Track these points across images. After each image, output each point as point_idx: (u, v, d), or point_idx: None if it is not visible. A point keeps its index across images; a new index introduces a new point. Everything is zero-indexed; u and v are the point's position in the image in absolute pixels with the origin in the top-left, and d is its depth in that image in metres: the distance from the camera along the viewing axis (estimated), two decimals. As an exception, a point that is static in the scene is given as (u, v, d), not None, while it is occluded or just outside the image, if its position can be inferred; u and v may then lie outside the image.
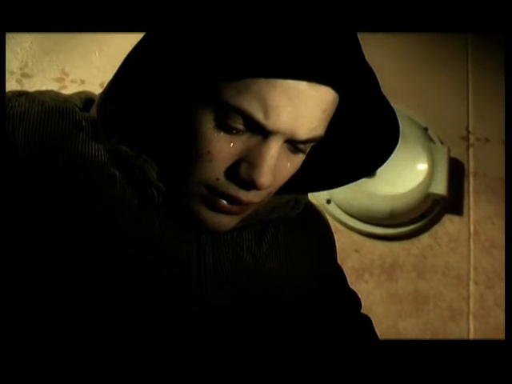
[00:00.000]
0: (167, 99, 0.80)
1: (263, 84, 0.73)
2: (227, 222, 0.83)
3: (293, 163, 0.82)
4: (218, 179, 0.78)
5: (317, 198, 1.88)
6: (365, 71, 0.79)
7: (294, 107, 0.74)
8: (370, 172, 0.91)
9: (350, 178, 0.92)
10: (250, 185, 0.77)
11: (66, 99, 0.87)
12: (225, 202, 0.80)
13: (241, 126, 0.76)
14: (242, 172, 0.77)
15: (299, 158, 0.82)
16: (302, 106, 0.75)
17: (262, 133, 0.76)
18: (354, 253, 1.91)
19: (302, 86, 0.74)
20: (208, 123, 0.76)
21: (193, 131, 0.77)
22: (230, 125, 0.76)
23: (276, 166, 0.78)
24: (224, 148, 0.77)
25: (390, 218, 1.92)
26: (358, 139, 0.89)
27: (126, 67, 0.81)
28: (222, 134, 0.76)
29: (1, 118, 0.80)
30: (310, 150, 0.84)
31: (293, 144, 0.79)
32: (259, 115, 0.74)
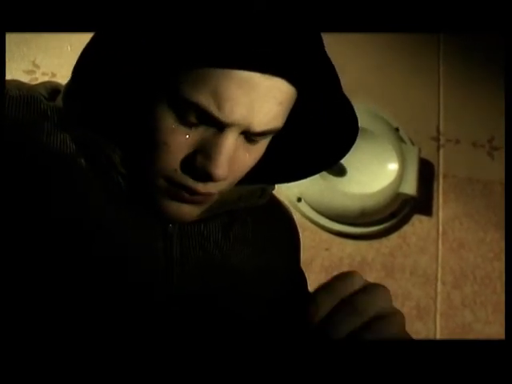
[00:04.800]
0: (126, 91, 0.80)
1: (217, 77, 0.73)
2: (189, 211, 0.83)
3: (252, 154, 0.82)
4: (175, 170, 0.79)
5: (287, 196, 1.88)
6: (322, 65, 0.79)
7: (248, 100, 0.74)
8: (333, 163, 0.92)
9: (315, 168, 0.93)
10: (206, 177, 0.78)
11: (31, 88, 0.86)
12: (184, 192, 0.80)
13: (196, 120, 0.76)
14: (197, 164, 0.78)
15: (259, 149, 0.83)
16: (257, 99, 0.75)
17: (217, 126, 0.76)
18: (324, 251, 1.91)
19: (257, 78, 0.74)
20: (164, 116, 0.76)
21: (150, 123, 0.77)
22: (185, 119, 0.76)
23: (234, 157, 0.79)
24: (180, 140, 0.77)
25: (360, 217, 1.93)
26: (319, 130, 0.89)
27: (83, 58, 0.80)
28: (178, 126, 0.77)
29: (0, 116, 0.79)
30: (273, 140, 0.84)
31: (249, 136, 0.79)
32: (213, 108, 0.74)
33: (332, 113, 0.85)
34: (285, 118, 0.81)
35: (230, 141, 0.77)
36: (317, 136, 0.90)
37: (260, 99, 0.75)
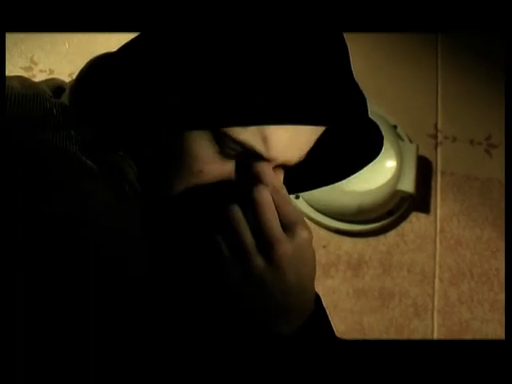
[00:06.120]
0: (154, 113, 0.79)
1: None
2: None
3: (279, 176, 0.84)
4: (204, 195, 0.79)
5: (285, 193, 1.88)
6: (356, 100, 0.82)
7: (292, 142, 0.78)
8: (347, 176, 0.94)
9: (329, 180, 0.96)
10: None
11: (35, 85, 0.85)
12: None
13: (239, 154, 0.78)
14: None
15: (282, 176, 0.85)
16: (298, 137, 0.78)
17: (258, 159, 0.78)
18: (322, 249, 1.91)
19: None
20: (204, 147, 0.77)
21: (184, 149, 0.78)
22: (227, 152, 0.77)
23: None
24: (216, 169, 0.78)
25: (357, 214, 1.93)
26: (341, 146, 0.92)
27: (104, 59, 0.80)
28: (216, 156, 0.78)
29: (0, 117, 0.78)
30: None
31: (281, 166, 0.82)
32: (259, 147, 0.76)
33: (356, 134, 0.89)
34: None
35: (270, 167, 0.79)
36: (337, 150, 0.92)
37: (302, 141, 0.79)
